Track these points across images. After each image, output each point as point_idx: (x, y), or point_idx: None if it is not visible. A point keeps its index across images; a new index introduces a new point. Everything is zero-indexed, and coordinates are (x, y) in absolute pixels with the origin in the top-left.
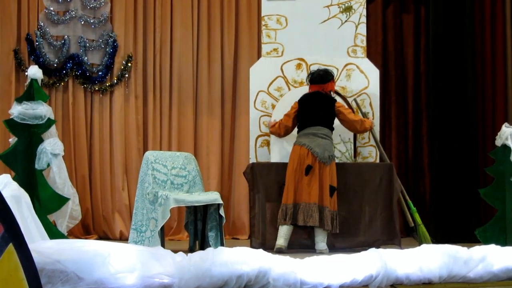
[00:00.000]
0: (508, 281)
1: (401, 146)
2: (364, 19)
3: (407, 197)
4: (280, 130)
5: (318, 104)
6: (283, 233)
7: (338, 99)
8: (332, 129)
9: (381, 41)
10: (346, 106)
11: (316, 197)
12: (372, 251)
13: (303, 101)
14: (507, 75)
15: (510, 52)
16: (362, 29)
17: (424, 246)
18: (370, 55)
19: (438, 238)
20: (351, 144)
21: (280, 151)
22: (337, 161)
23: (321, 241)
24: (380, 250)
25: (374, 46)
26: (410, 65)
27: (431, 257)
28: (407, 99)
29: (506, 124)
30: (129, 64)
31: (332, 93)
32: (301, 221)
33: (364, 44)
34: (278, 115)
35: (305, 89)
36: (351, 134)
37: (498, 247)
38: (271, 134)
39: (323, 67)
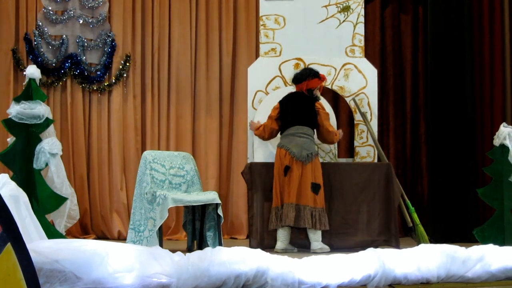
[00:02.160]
0: (506, 280)
1: (399, 146)
2: (362, 19)
3: (405, 197)
4: (264, 133)
5: (297, 104)
6: (281, 235)
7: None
8: (313, 126)
9: (379, 41)
10: (327, 111)
11: (294, 197)
12: (370, 251)
13: (284, 102)
14: (505, 74)
15: (508, 51)
16: (360, 29)
17: (422, 246)
18: (368, 55)
19: (436, 237)
20: (334, 144)
21: (264, 152)
22: (321, 160)
23: (314, 240)
24: (378, 250)
25: (372, 46)
26: (408, 65)
27: (429, 257)
28: (405, 99)
29: (504, 124)
30: (127, 64)
31: (316, 91)
32: (283, 221)
33: (362, 44)
34: (261, 116)
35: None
36: None
37: (496, 246)
38: (256, 136)
39: (316, 66)
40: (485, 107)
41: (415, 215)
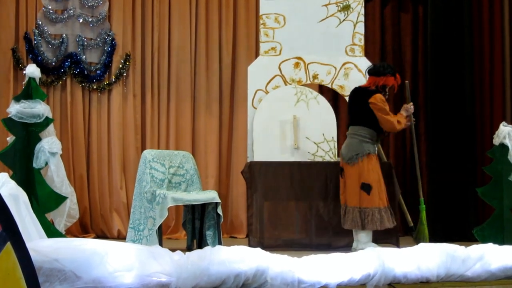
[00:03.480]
0: (506, 279)
1: (399, 144)
2: (362, 18)
3: (401, 199)
4: None
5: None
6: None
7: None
8: (365, 125)
9: (379, 40)
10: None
11: (343, 199)
12: (370, 250)
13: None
14: (505, 74)
15: (508, 51)
16: (360, 28)
17: (422, 245)
18: (368, 54)
19: (436, 237)
20: (334, 143)
21: (263, 151)
22: (320, 159)
23: (354, 240)
24: (378, 249)
25: (372, 45)
26: (408, 64)
27: (429, 256)
28: (399, 98)
29: (503, 123)
30: (127, 63)
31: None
32: None
33: (362, 43)
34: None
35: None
36: (334, 133)
37: (496, 246)
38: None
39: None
40: (484, 106)
41: (423, 214)
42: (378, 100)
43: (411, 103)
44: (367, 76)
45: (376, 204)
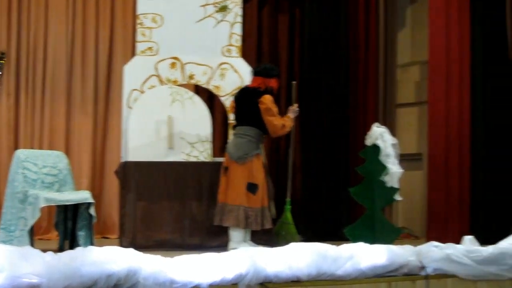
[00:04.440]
0: (375, 278)
1: (273, 145)
2: (239, 19)
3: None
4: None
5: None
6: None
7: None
8: (254, 125)
9: (255, 41)
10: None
11: (223, 197)
12: (242, 250)
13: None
14: (378, 75)
15: (382, 54)
16: (237, 28)
17: (293, 244)
18: (246, 55)
19: (308, 236)
20: (209, 144)
21: (138, 151)
22: (194, 160)
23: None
24: (250, 248)
25: (249, 46)
26: (284, 65)
27: (301, 256)
28: (280, 99)
29: (376, 124)
30: (2, 62)
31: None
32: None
33: (239, 43)
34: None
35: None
36: (209, 134)
37: (366, 245)
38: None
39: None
40: (358, 108)
41: (289, 214)
42: (267, 101)
43: (297, 104)
44: (253, 76)
45: (260, 204)
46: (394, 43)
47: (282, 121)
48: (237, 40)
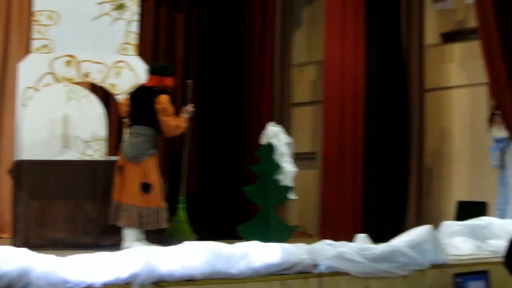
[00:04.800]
0: (269, 276)
1: (168, 145)
2: (136, 17)
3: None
4: None
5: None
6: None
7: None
8: (149, 125)
9: (152, 39)
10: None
11: (117, 196)
12: (136, 249)
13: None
14: (274, 75)
15: (278, 54)
16: (134, 27)
17: (187, 243)
18: (142, 53)
19: (202, 234)
20: (104, 142)
21: (33, 150)
22: (89, 158)
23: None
24: (144, 247)
25: (145, 44)
26: (180, 64)
27: (195, 254)
28: (176, 98)
29: (271, 123)
30: None
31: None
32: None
33: (136, 42)
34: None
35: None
36: (104, 132)
37: (261, 243)
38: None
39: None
40: (254, 107)
41: (183, 213)
42: (164, 101)
43: (192, 105)
44: (148, 75)
45: (155, 204)
46: (290, 43)
47: (176, 122)
48: (133, 38)
